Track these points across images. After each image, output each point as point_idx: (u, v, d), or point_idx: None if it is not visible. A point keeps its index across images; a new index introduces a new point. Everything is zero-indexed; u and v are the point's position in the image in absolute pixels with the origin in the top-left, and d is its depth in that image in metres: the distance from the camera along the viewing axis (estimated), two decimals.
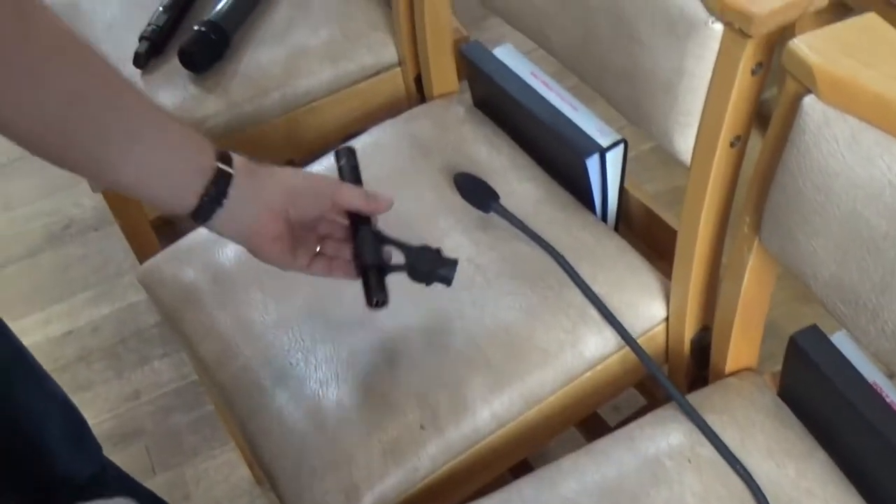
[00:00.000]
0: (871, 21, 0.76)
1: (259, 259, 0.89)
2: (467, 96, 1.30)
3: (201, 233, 1.16)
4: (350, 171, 0.98)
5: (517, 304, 1.05)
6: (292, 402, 1.01)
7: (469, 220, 1.13)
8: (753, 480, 0.90)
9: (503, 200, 1.13)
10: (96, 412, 1.68)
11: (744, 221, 0.89)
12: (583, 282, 1.06)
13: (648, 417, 0.98)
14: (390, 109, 1.38)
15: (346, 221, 0.93)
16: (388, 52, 1.37)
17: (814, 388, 0.92)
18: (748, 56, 0.82)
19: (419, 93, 1.38)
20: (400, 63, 1.38)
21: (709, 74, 0.86)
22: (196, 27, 1.33)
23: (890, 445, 0.84)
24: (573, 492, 0.92)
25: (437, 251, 0.93)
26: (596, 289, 1.05)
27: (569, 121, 1.13)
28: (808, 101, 0.75)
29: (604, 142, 1.11)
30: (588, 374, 1.05)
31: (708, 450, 0.94)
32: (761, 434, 0.95)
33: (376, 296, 0.90)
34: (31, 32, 0.70)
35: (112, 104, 0.76)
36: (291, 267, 0.90)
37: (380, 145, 1.24)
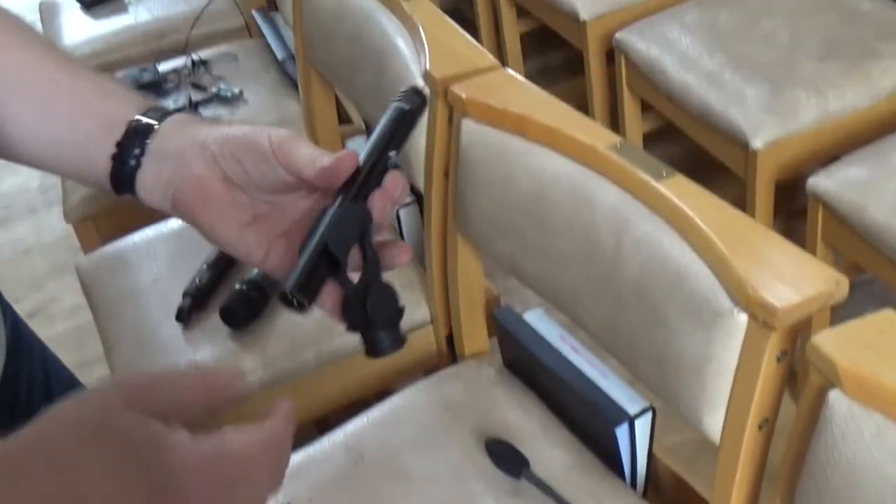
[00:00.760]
0: (889, 318, 0.79)
1: (213, 243, 0.70)
2: (498, 357, 1.34)
3: None
4: (395, 121, 0.70)
5: None
6: None
7: (499, 486, 1.14)
8: None
9: (533, 466, 1.14)
10: None
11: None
12: None
13: None
14: (422, 365, 1.41)
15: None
16: (420, 311, 1.41)
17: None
18: (773, 346, 0.85)
19: (450, 349, 1.42)
20: (432, 321, 1.42)
21: (735, 360, 0.89)
22: (237, 286, 1.39)
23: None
24: None
25: (399, 311, 0.67)
26: None
27: (598, 388, 1.16)
28: (834, 395, 0.78)
29: (632, 410, 1.13)
30: None
31: None
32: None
33: (292, 291, 0.63)
34: None
35: None
36: (250, 258, 0.69)
37: (414, 407, 1.27)
